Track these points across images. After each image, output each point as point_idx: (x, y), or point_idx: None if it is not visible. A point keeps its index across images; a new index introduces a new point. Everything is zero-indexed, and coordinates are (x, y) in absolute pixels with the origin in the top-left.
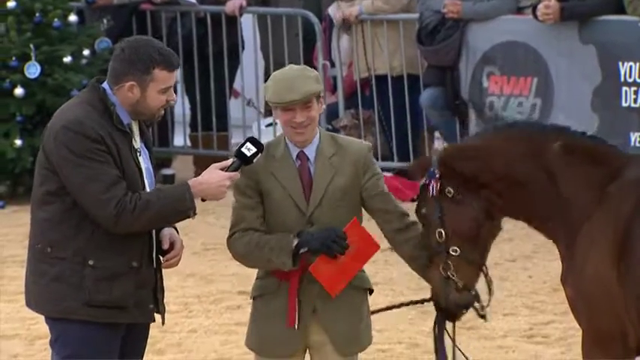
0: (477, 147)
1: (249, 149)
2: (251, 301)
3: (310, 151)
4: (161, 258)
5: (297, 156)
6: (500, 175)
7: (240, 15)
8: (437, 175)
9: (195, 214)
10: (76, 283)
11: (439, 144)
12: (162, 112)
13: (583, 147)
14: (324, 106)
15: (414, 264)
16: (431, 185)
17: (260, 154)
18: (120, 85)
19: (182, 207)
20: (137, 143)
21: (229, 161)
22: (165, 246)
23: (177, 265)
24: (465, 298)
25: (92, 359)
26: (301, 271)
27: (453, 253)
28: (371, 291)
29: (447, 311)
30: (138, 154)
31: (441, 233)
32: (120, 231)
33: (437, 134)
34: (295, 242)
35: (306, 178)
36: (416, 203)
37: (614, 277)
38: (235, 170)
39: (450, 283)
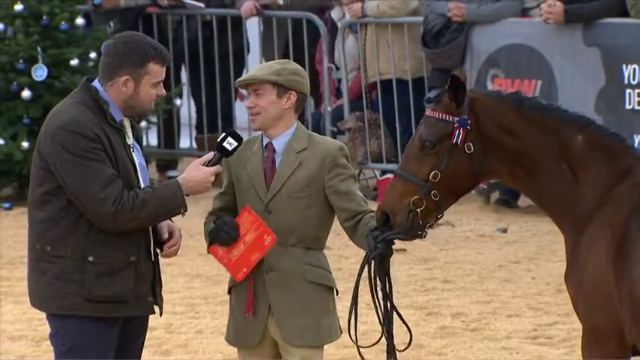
0: (512, 119)
1: (230, 144)
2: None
3: (279, 144)
4: (158, 250)
5: (266, 147)
6: (523, 158)
7: (257, 15)
8: (468, 126)
9: (185, 211)
10: (78, 280)
11: None
12: (153, 107)
13: (603, 144)
14: (290, 102)
15: (364, 240)
16: (457, 132)
17: (239, 147)
18: (114, 81)
19: (174, 205)
20: (130, 139)
21: (210, 155)
22: (165, 236)
23: (176, 254)
24: (416, 231)
25: (90, 352)
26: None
27: (433, 198)
28: (336, 291)
29: (403, 237)
30: (131, 150)
31: (436, 175)
32: (116, 229)
33: None
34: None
35: (269, 168)
36: (422, 125)
37: (612, 279)
38: (216, 164)
39: (412, 216)
